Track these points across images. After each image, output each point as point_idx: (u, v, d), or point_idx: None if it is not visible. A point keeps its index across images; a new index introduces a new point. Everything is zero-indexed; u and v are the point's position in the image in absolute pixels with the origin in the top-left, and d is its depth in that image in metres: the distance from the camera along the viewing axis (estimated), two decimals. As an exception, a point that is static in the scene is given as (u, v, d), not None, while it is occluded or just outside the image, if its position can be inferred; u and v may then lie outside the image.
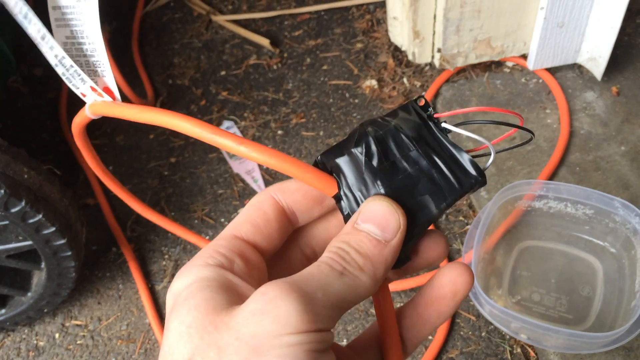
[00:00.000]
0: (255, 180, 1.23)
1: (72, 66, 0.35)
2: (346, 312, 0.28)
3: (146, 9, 1.62)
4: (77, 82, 0.36)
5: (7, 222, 0.88)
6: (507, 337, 0.95)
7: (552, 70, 1.20)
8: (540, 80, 1.21)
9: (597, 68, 1.14)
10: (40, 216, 0.87)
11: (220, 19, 1.55)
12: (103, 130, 1.37)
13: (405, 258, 0.30)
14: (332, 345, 0.27)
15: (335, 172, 0.30)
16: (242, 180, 1.24)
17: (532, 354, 0.92)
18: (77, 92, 0.37)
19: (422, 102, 0.31)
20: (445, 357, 0.94)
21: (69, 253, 0.94)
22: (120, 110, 0.35)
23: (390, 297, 0.31)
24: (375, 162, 0.29)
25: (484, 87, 1.22)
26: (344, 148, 0.30)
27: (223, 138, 0.29)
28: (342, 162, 0.29)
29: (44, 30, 0.36)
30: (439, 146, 0.30)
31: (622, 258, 0.91)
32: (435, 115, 0.31)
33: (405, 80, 1.31)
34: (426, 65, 1.31)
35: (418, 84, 1.30)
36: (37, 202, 0.86)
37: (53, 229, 0.89)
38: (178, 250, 1.16)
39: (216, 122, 1.34)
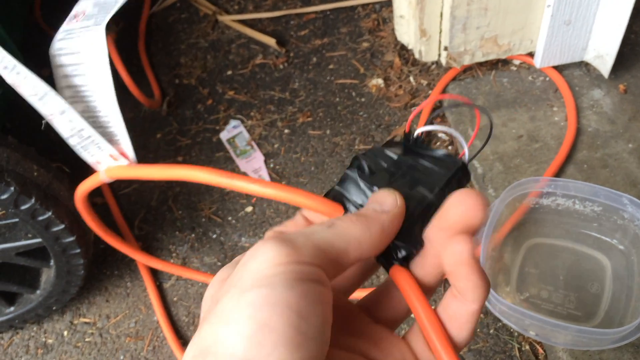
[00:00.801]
0: (262, 179, 1.23)
1: (90, 136, 0.38)
2: (342, 262, 0.27)
3: (153, 9, 1.62)
4: (93, 150, 0.38)
5: (16, 220, 0.88)
6: (516, 334, 0.95)
7: (559, 68, 1.20)
8: (547, 78, 1.20)
9: (604, 66, 1.14)
10: (50, 213, 0.87)
11: (226, 18, 1.56)
12: (110, 129, 1.38)
13: (417, 241, 0.30)
14: (327, 284, 0.26)
15: (338, 199, 0.33)
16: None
17: (540, 351, 0.92)
18: (92, 159, 0.39)
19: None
20: (453, 354, 0.94)
21: (78, 250, 0.94)
22: (138, 171, 0.38)
23: (416, 288, 0.30)
24: (367, 174, 0.33)
25: (490, 85, 1.22)
26: (339, 181, 0.34)
27: (238, 181, 0.33)
28: (341, 187, 0.33)
29: (65, 105, 0.38)
30: (419, 154, 0.34)
31: (630, 255, 0.91)
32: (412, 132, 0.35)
33: (411, 78, 1.31)
34: (433, 63, 1.31)
35: (425, 82, 1.30)
36: (47, 199, 0.87)
37: (62, 226, 0.89)
38: (186, 249, 1.16)
39: (223, 122, 1.35)
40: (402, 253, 0.30)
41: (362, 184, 0.32)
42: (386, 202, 0.30)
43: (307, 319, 0.24)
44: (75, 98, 0.40)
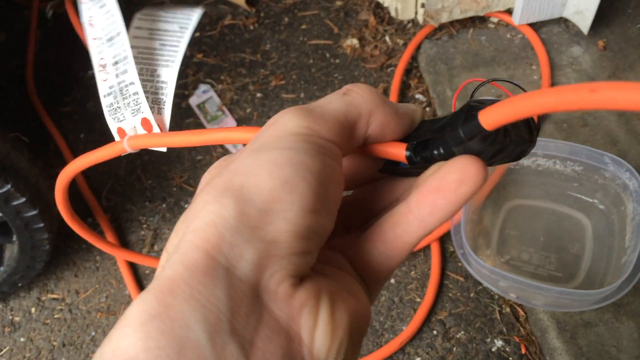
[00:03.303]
0: (235, 145, 1.19)
1: (136, 93, 0.37)
2: (353, 133, 0.27)
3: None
4: (126, 113, 0.37)
5: (-27, 194, 0.83)
6: (496, 297, 0.94)
7: (538, 26, 1.17)
8: (526, 36, 1.17)
9: (584, 22, 1.11)
10: (9, 186, 0.82)
11: (192, -23, 1.48)
12: (73, 96, 1.31)
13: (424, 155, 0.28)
14: (341, 164, 0.26)
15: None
16: (222, 146, 1.19)
17: (521, 313, 0.91)
18: (116, 125, 0.38)
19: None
20: (434, 319, 0.93)
21: (42, 225, 0.90)
22: (163, 139, 0.36)
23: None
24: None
25: (468, 44, 1.18)
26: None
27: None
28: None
29: (129, 52, 0.37)
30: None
31: (611, 215, 0.90)
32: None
33: (387, 38, 1.27)
34: (409, 22, 1.26)
35: (401, 42, 1.26)
36: (5, 171, 0.82)
37: (23, 199, 0.85)
38: (157, 219, 1.12)
39: (192, 86, 1.29)
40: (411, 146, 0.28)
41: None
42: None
43: (326, 188, 0.24)
44: (136, 59, 0.39)
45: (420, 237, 0.27)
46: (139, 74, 0.38)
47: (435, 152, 0.27)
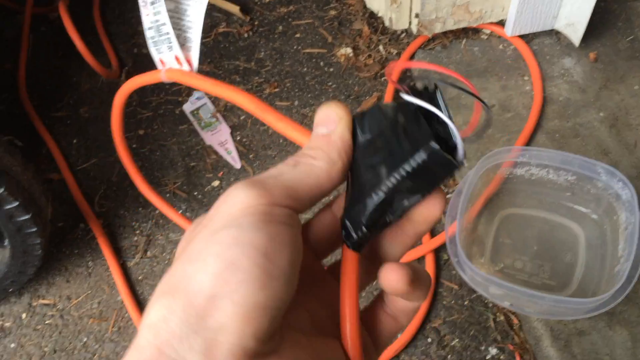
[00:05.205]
0: (228, 152, 1.18)
1: (167, 33, 0.41)
2: (313, 198, 0.28)
3: (108, -26, 1.54)
4: (163, 47, 0.42)
5: (-35, 197, 0.82)
6: (490, 305, 0.94)
7: (530, 37, 1.19)
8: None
9: (575, 34, 1.12)
10: (2, 190, 0.81)
11: (187, -15, 1.49)
12: (65, 101, 1.31)
13: (368, 227, 0.29)
14: (297, 225, 0.27)
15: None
16: (215, 152, 1.19)
17: (515, 321, 0.92)
18: (158, 56, 0.42)
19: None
20: (428, 327, 0.93)
21: (34, 229, 0.89)
22: (194, 80, 0.41)
23: (355, 275, 0.30)
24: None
25: (461, 55, 1.20)
26: None
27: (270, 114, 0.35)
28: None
29: None
30: (416, 114, 0.29)
31: (603, 224, 0.91)
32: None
33: (381, 47, 1.28)
34: (402, 32, 1.27)
35: (394, 51, 1.27)
36: (-2, 175, 0.81)
37: (16, 203, 0.84)
38: (150, 226, 1.11)
39: (185, 93, 1.29)
40: (348, 236, 0.29)
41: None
42: (329, 120, 0.30)
43: (273, 260, 0.25)
44: None
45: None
46: (172, 13, 0.42)
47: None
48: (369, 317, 0.33)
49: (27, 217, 0.86)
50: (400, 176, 0.27)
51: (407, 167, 0.27)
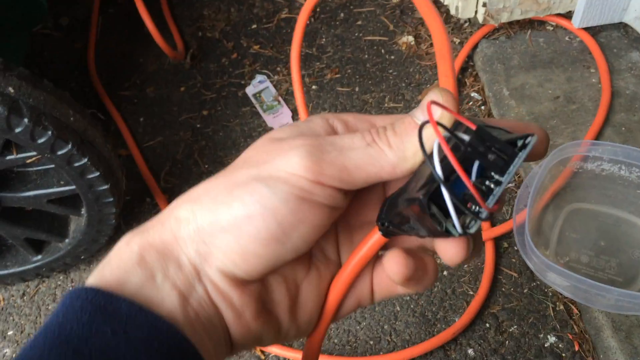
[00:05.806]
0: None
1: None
2: (366, 184, 0.28)
3: (174, -41, 1.58)
4: None
5: (51, 166, 0.87)
6: (550, 294, 0.94)
7: (596, 30, 1.18)
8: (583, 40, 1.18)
9: (645, 27, 1.11)
10: (86, 160, 0.85)
11: (250, -29, 1.52)
12: (133, 81, 1.35)
13: (395, 222, 0.29)
14: (328, 206, 0.28)
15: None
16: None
17: (575, 310, 0.92)
18: None
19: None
20: (487, 312, 0.94)
21: (111, 199, 0.93)
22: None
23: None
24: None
25: (526, 45, 1.19)
26: None
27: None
28: None
29: None
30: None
31: (671, 219, 0.90)
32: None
33: (443, 36, 1.28)
34: (465, 21, 1.28)
35: (457, 40, 1.27)
36: (83, 145, 0.85)
37: (97, 173, 0.88)
38: (213, 203, 1.14)
39: (248, 76, 1.32)
40: (379, 217, 0.30)
41: None
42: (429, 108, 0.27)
43: (286, 231, 0.28)
44: None
45: None
46: None
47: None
48: (374, 268, 0.34)
49: (105, 187, 0.90)
50: (410, 202, 0.27)
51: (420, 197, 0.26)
